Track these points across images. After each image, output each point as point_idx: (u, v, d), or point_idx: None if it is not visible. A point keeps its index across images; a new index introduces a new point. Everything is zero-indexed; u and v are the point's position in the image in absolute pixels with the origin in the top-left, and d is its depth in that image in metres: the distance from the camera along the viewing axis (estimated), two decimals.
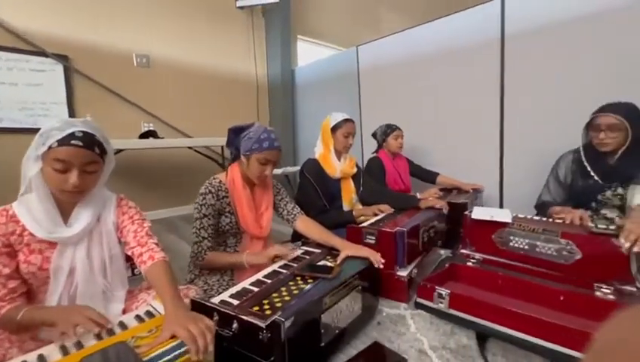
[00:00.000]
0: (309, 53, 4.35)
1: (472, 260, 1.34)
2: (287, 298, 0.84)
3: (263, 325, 0.69)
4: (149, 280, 0.83)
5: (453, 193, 2.13)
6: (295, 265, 1.08)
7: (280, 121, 3.79)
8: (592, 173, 1.43)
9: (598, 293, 1.04)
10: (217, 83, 3.48)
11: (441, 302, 1.06)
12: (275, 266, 1.08)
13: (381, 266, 1.08)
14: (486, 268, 1.28)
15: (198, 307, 0.79)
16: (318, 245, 1.26)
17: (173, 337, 0.63)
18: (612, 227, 1.12)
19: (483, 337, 0.97)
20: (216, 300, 0.84)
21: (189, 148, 3.02)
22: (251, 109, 3.77)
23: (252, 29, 3.68)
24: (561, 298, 1.07)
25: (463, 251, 1.40)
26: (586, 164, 1.46)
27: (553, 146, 1.64)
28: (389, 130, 2.20)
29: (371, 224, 1.34)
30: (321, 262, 1.10)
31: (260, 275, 1.01)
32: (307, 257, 1.16)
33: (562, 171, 1.57)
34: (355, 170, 1.73)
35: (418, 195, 2.01)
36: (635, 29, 1.67)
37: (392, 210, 1.54)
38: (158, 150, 3.04)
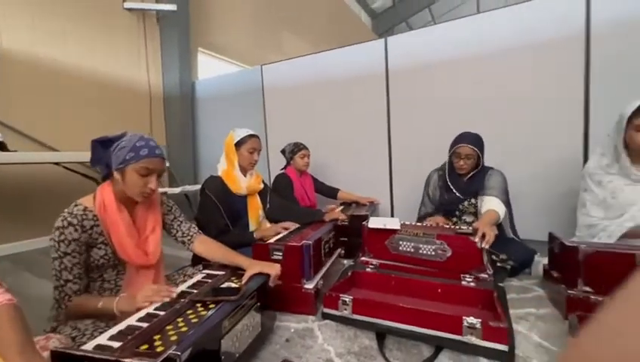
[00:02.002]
0: (212, 68, 4.19)
1: (371, 266, 1.46)
2: (184, 329, 0.75)
3: None
4: None
5: (352, 206, 2.32)
6: (195, 291, 0.98)
7: (178, 135, 3.48)
8: (454, 189, 1.77)
9: (463, 282, 1.26)
10: (97, 89, 2.99)
11: (346, 309, 1.12)
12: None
13: (272, 285, 1.06)
14: (382, 272, 1.42)
15: (60, 359, 0.63)
16: (222, 266, 1.18)
17: None
18: (464, 228, 1.41)
19: (382, 336, 1.06)
20: (89, 346, 0.69)
21: (56, 164, 2.47)
22: (143, 121, 3.36)
23: (144, 35, 3.34)
24: (439, 290, 1.26)
25: (362, 259, 1.52)
26: (449, 182, 1.79)
27: (427, 166, 1.97)
28: (297, 148, 2.28)
29: (278, 240, 1.33)
30: (225, 284, 1.03)
31: (150, 308, 0.88)
32: (209, 281, 1.07)
33: (431, 188, 1.90)
34: (261, 186, 1.71)
35: (324, 210, 2.12)
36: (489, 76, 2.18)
37: (296, 226, 1.56)
38: (9, 167, 2.39)
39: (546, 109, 1.98)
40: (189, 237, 1.22)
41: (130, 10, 3.22)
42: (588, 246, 1.12)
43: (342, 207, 2.27)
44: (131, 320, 0.81)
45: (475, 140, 1.69)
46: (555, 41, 1.93)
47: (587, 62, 1.87)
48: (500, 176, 1.70)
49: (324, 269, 1.40)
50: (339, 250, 1.71)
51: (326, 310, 1.16)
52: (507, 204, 1.67)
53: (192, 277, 1.14)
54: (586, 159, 1.85)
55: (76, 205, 0.99)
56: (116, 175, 1.01)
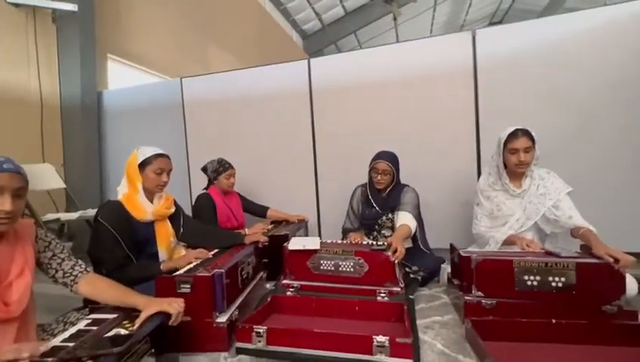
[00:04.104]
0: (126, 77, 3.79)
1: (291, 289, 1.43)
2: None
3: None
4: None
5: (282, 225, 2.27)
6: (72, 344, 0.81)
7: (80, 152, 3.03)
8: (374, 204, 1.86)
9: (378, 298, 1.31)
10: None
11: (260, 341, 1.05)
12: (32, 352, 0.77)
13: (174, 323, 0.95)
14: (302, 295, 1.39)
15: None
16: (115, 308, 1.02)
17: None
18: (380, 243, 1.48)
19: None
20: None
21: None
22: (31, 136, 2.84)
23: (34, 34, 2.87)
24: (357, 308, 1.29)
25: (284, 281, 1.48)
26: (370, 197, 1.88)
27: (352, 182, 2.04)
28: (222, 168, 2.14)
29: (186, 271, 1.21)
30: (113, 332, 0.88)
31: None
32: (94, 328, 0.91)
33: (355, 202, 1.98)
34: (172, 209, 1.55)
35: (246, 230, 2.03)
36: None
37: (211, 252, 1.46)
38: None
39: (447, 129, 2.25)
40: (71, 278, 1.03)
41: (16, 5, 2.75)
42: (478, 255, 1.26)
43: (271, 226, 2.21)
44: None
45: (391, 158, 1.82)
46: (452, 72, 2.23)
47: (476, 90, 2.18)
48: (413, 192, 1.84)
49: (241, 297, 1.32)
50: (261, 274, 1.64)
51: (239, 344, 1.07)
52: (418, 218, 1.81)
53: (74, 325, 0.96)
54: (479, 174, 2.13)
55: None
56: None
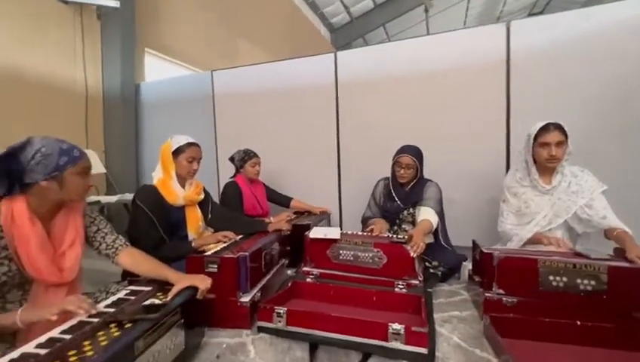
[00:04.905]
0: (161, 70, 3.99)
1: (311, 276, 1.47)
2: (89, 353, 0.69)
3: None
4: None
5: (305, 216, 2.33)
6: (113, 310, 0.91)
7: (119, 140, 3.24)
8: (396, 198, 1.86)
9: (396, 289, 1.33)
10: (23, 88, 2.68)
11: (280, 321, 1.11)
12: (83, 316, 0.87)
13: (200, 297, 1.02)
14: (322, 282, 1.44)
15: None
16: (149, 281, 1.11)
17: None
18: (400, 236, 1.48)
19: (315, 346, 1.07)
20: None
21: None
22: (78, 125, 3.08)
23: (82, 30, 3.09)
24: (374, 298, 1.31)
25: (304, 269, 1.53)
26: (392, 191, 1.88)
27: (375, 175, 2.04)
28: (247, 157, 2.23)
29: (214, 252, 1.29)
30: (149, 301, 0.97)
31: (55, 332, 0.79)
32: (132, 298, 1.00)
33: (377, 195, 1.98)
34: (201, 196, 1.65)
35: (271, 219, 2.10)
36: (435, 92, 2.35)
37: (237, 236, 1.53)
38: None
39: (476, 125, 2.19)
40: (113, 250, 1.14)
41: (65, 2, 2.97)
42: (501, 252, 1.24)
43: (294, 216, 2.27)
44: (28, 347, 0.73)
45: (415, 152, 1.80)
46: (484, 65, 2.15)
47: (508, 85, 2.10)
48: (436, 187, 1.82)
49: (264, 280, 1.38)
50: (283, 260, 1.70)
51: (260, 323, 1.14)
52: (440, 214, 1.79)
53: (114, 295, 1.06)
54: (507, 171, 2.06)
55: None
56: (47, 184, 0.95)
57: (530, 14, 10.11)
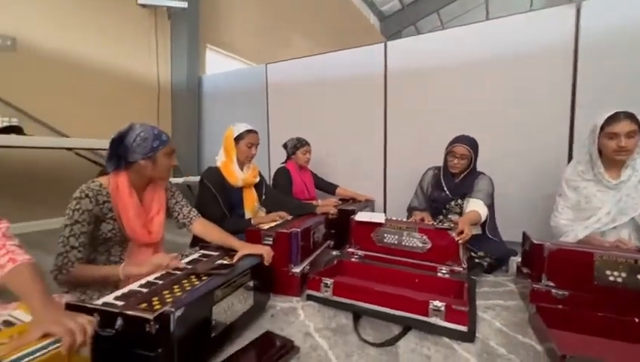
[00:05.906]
0: (219, 64, 4.31)
1: (356, 256, 1.57)
2: (178, 293, 0.87)
3: (150, 317, 0.71)
4: (10, 286, 0.73)
5: (349, 203, 2.42)
6: (190, 267, 1.09)
7: (184, 128, 3.62)
8: (445, 188, 1.86)
9: (439, 274, 1.36)
10: (108, 80, 3.13)
11: (327, 291, 1.23)
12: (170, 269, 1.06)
13: (267, 263, 1.17)
14: (366, 262, 1.52)
15: (74, 310, 0.75)
16: (217, 248, 1.29)
17: (45, 336, 0.59)
18: (446, 225, 1.50)
19: (357, 316, 1.16)
20: (98, 302, 0.80)
21: (69, 149, 2.61)
22: (151, 113, 3.50)
23: (155, 29, 3.47)
24: (416, 280, 1.36)
25: (349, 250, 1.63)
26: (442, 180, 1.88)
27: (422, 165, 2.05)
28: (299, 144, 2.38)
29: (270, 227, 1.44)
30: (218, 262, 1.14)
31: (150, 277, 0.99)
32: (204, 259, 1.19)
33: (425, 184, 1.99)
34: (257, 179, 1.82)
35: (319, 201, 2.23)
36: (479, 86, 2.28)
37: (290, 216, 1.67)
38: (23, 151, 2.53)
39: (535, 117, 2.07)
40: (189, 219, 1.34)
41: (143, 5, 3.35)
42: (552, 244, 1.21)
43: (339, 203, 2.38)
44: (134, 286, 0.93)
45: (471, 142, 1.78)
46: (547, 51, 2.02)
47: (575, 74, 1.95)
48: (488, 180, 1.78)
49: (312, 256, 1.51)
50: (329, 242, 1.81)
51: (309, 292, 1.26)
52: (491, 207, 1.75)
53: (189, 257, 1.25)
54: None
55: (93, 181, 1.13)
56: (144, 163, 1.16)
57: None
